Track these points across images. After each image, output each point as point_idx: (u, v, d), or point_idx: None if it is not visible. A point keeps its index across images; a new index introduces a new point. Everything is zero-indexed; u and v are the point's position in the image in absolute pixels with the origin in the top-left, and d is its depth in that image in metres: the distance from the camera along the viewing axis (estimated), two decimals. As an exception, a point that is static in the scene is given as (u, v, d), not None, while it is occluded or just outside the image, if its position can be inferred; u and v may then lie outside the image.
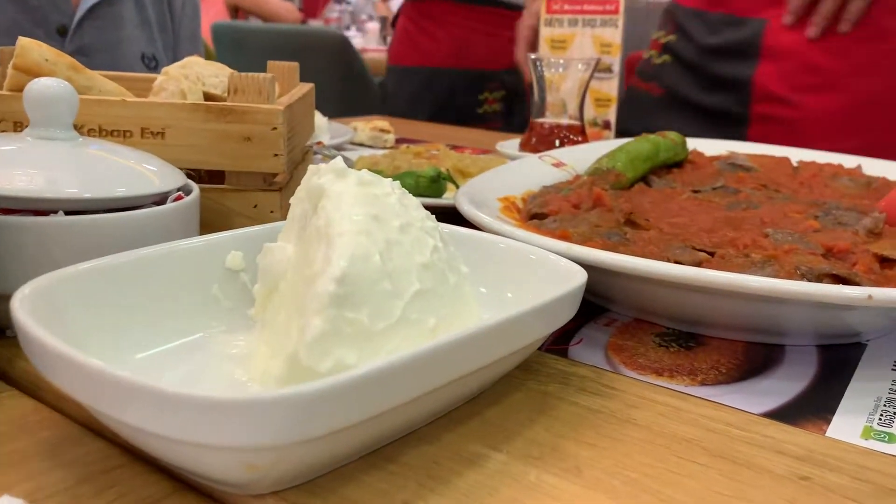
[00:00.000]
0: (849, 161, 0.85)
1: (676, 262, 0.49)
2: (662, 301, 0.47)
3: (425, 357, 0.29)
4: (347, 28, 4.44)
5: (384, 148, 1.12)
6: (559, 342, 0.46)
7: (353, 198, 0.34)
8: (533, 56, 0.98)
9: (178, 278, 0.40)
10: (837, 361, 0.46)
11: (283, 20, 3.61)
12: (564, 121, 1.00)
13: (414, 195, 0.74)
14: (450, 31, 1.95)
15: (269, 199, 0.54)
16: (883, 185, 0.73)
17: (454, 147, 1.17)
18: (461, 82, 1.97)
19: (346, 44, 2.95)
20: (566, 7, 1.16)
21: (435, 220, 0.39)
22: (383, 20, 4.37)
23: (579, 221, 0.56)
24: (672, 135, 0.77)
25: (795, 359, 0.46)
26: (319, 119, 1.06)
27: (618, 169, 0.70)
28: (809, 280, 0.45)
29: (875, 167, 0.82)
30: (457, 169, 0.86)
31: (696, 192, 0.69)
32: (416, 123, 1.51)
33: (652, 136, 0.76)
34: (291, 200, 0.40)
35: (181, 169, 0.52)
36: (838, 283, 0.45)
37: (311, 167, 0.39)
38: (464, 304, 0.36)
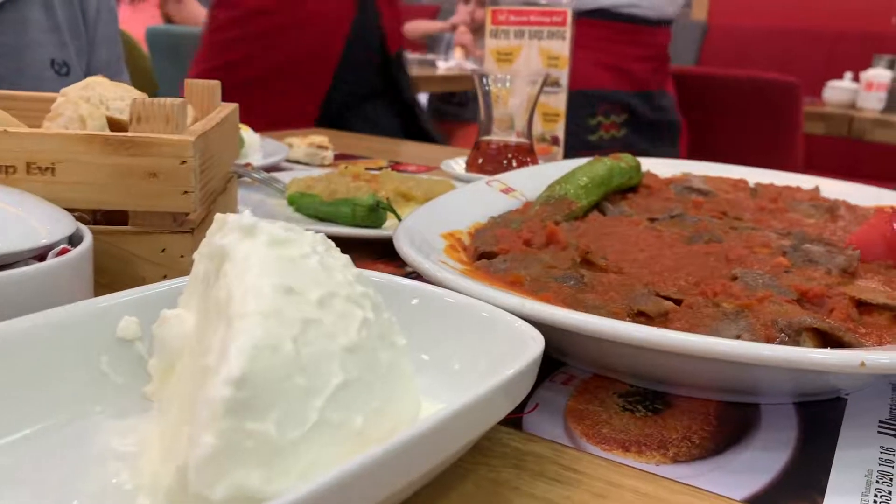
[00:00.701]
0: (805, 182, 0.82)
1: (640, 311, 0.44)
2: (626, 360, 0.42)
3: (347, 479, 0.23)
4: (289, 33, 4.33)
5: (322, 166, 1.06)
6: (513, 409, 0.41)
7: (261, 264, 0.28)
8: (478, 71, 0.93)
9: (58, 353, 0.33)
10: (819, 422, 0.41)
11: None
12: (512, 139, 0.95)
13: (351, 225, 0.69)
14: None
15: (179, 241, 0.48)
16: (845, 210, 0.70)
17: (396, 164, 1.11)
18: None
19: (286, 50, 2.86)
20: (512, 18, 1.11)
21: (367, 280, 0.33)
22: (326, 25, 4.28)
23: (531, 261, 0.50)
24: (626, 157, 0.73)
25: (773, 421, 0.41)
26: (250, 136, 0.99)
27: (570, 196, 0.65)
28: (788, 335, 0.40)
29: (832, 188, 0.79)
30: (399, 192, 0.80)
31: (652, 220, 0.64)
32: (357, 137, 1.45)
33: (605, 160, 0.71)
34: (195, 255, 0.34)
35: (74, 210, 0.45)
36: (820, 337, 0.41)
37: (217, 216, 0.33)
38: (399, 389, 0.30)
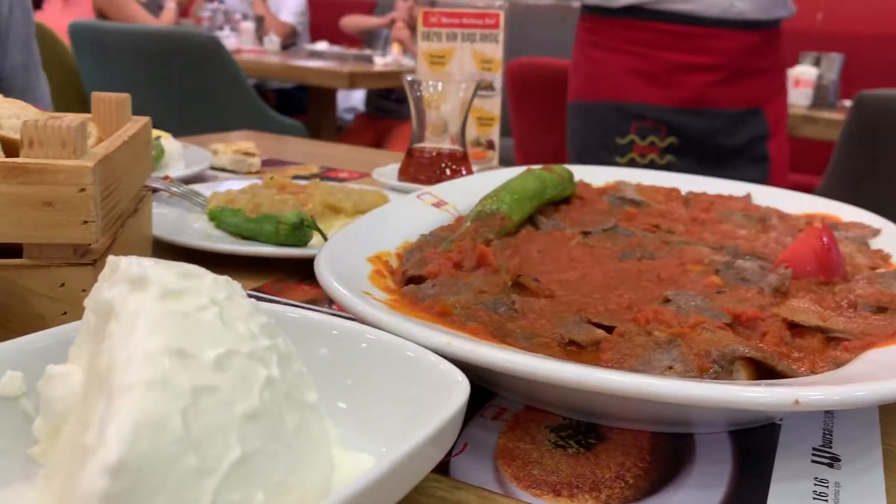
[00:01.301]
0: (737, 188, 0.82)
1: (571, 340, 0.42)
2: (558, 394, 0.40)
3: (241, 578, 0.20)
4: (221, 28, 4.22)
5: (249, 174, 1.02)
6: (439, 451, 0.38)
7: (150, 322, 0.25)
8: (409, 77, 0.90)
9: (-74, 417, 0.30)
10: (753, 452, 0.40)
11: None
12: (446, 146, 0.92)
13: (275, 244, 0.66)
14: (583, 49, 1.37)
15: (80, 275, 0.44)
16: (777, 219, 0.70)
17: (328, 170, 1.08)
18: (589, 118, 1.37)
19: (217, 46, 2.78)
20: (444, 20, 1.09)
21: (275, 329, 0.30)
22: (259, 19, 4.19)
23: (461, 287, 0.48)
24: (559, 169, 0.72)
25: (707, 454, 0.40)
26: (171, 145, 0.95)
27: (503, 211, 0.63)
28: (721, 365, 0.39)
29: (764, 195, 0.80)
30: (327, 205, 0.77)
31: (586, 234, 0.63)
32: (288, 140, 1.41)
33: (538, 171, 0.70)
34: (85, 303, 0.31)
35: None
36: (753, 365, 0.40)
37: (109, 260, 0.30)
38: (308, 453, 0.27)
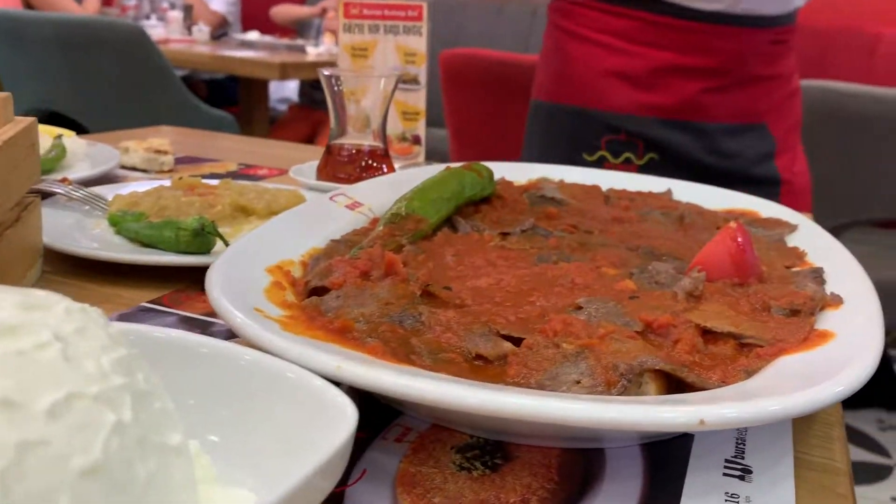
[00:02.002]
0: (657, 184, 0.81)
1: (478, 355, 0.40)
2: (462, 415, 0.38)
3: None
4: (147, 17, 4.09)
5: (161, 172, 0.97)
6: (334, 479, 0.36)
7: (-26, 367, 0.22)
8: (326, 71, 0.87)
9: None
10: (665, 466, 0.39)
11: None
12: (366, 143, 0.90)
13: (176, 252, 0.62)
14: (553, 36, 1.15)
15: (-60, 296, 0.40)
16: (696, 216, 0.69)
17: (246, 168, 1.04)
18: (552, 125, 1.15)
19: (143, 36, 2.68)
20: (365, 12, 1.06)
21: (135, 362, 0.27)
22: (187, 8, 4.07)
23: (367, 298, 0.46)
24: (478, 167, 0.69)
25: (618, 469, 0.38)
26: (74, 143, 0.90)
27: (418, 213, 0.60)
28: (629, 380, 0.38)
29: (684, 191, 0.79)
30: (238, 206, 0.73)
31: (504, 235, 0.61)
32: (206, 135, 1.35)
33: (456, 170, 0.68)
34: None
35: None
36: (664, 377, 0.39)
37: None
38: (168, 502, 0.25)
